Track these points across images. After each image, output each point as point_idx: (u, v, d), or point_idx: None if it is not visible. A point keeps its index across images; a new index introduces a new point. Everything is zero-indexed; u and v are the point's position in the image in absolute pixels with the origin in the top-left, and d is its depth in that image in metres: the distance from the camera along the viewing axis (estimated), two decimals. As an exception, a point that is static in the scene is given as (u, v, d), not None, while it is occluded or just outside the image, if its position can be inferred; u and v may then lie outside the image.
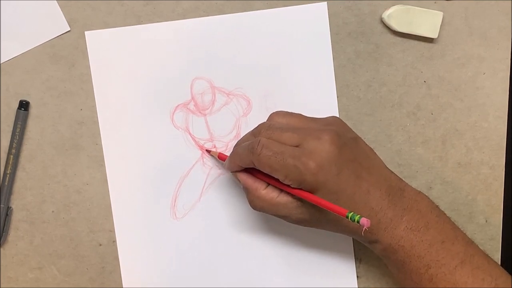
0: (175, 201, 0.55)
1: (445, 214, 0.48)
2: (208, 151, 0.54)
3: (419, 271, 0.46)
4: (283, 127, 0.47)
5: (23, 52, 0.54)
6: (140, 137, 0.54)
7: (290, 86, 0.54)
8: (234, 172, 0.49)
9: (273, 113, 0.50)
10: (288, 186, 0.45)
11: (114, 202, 0.55)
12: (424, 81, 0.55)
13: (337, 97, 0.54)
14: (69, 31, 0.54)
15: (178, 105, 0.54)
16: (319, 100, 0.54)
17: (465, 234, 0.48)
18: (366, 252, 0.55)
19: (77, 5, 0.54)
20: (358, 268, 0.55)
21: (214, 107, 0.54)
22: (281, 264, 0.55)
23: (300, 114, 0.49)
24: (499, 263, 0.55)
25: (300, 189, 0.45)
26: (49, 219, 0.55)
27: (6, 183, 0.54)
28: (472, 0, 0.54)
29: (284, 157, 0.44)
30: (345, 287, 0.55)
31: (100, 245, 0.55)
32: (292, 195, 0.46)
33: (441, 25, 0.54)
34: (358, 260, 0.55)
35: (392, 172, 0.48)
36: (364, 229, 0.41)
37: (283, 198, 0.47)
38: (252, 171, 0.48)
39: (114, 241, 0.55)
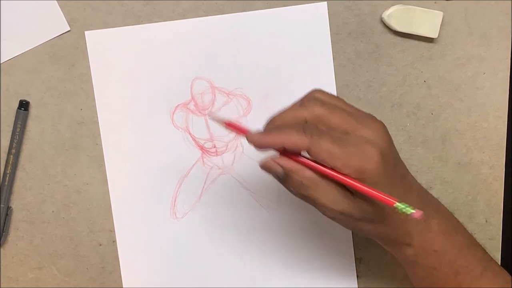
0: (175, 201, 0.55)
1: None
2: (210, 116, 0.51)
3: (448, 278, 0.44)
4: (336, 105, 0.42)
5: (23, 52, 0.54)
6: (140, 137, 0.54)
7: (290, 86, 0.54)
8: (268, 153, 0.42)
9: (314, 90, 0.43)
10: (341, 175, 0.40)
11: (114, 202, 0.55)
12: (424, 81, 0.55)
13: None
14: (69, 31, 0.54)
15: (178, 105, 0.54)
16: (319, 100, 0.54)
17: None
18: (366, 252, 0.55)
19: (77, 5, 0.54)
20: (358, 268, 0.55)
21: (214, 107, 0.54)
22: (281, 264, 0.55)
23: (339, 97, 0.44)
24: (499, 263, 0.55)
25: (357, 179, 0.40)
26: (49, 219, 0.55)
27: (6, 183, 0.54)
28: (472, 0, 0.54)
29: (346, 144, 0.40)
30: (345, 287, 0.55)
31: (100, 245, 0.55)
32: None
33: (441, 25, 0.54)
34: (358, 260, 0.55)
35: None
36: (417, 218, 0.38)
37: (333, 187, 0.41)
38: (289, 155, 0.42)
39: (114, 241, 0.55)
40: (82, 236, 0.55)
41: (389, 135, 0.42)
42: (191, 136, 0.54)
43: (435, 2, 0.54)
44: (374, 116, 0.43)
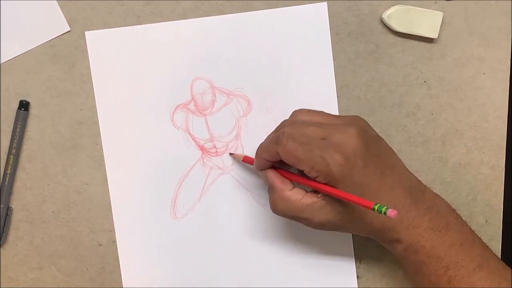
0: (175, 201, 0.55)
1: (461, 217, 0.48)
2: (231, 154, 0.54)
3: (437, 273, 0.45)
4: (307, 122, 0.46)
5: (23, 52, 0.54)
6: (140, 137, 0.54)
7: (290, 86, 0.54)
8: (263, 170, 0.49)
9: (296, 110, 0.49)
10: (314, 180, 0.45)
11: (114, 202, 0.55)
12: (424, 81, 0.55)
13: (337, 97, 0.54)
14: (69, 31, 0.54)
15: (178, 105, 0.54)
16: (319, 100, 0.54)
17: (480, 238, 0.48)
18: (366, 252, 0.55)
19: (77, 5, 0.54)
20: (358, 268, 0.55)
21: (214, 107, 0.54)
22: (281, 264, 0.55)
23: (323, 112, 0.49)
24: (499, 263, 0.55)
25: (325, 183, 0.44)
26: (49, 219, 0.55)
27: (6, 183, 0.54)
28: (472, 0, 0.54)
29: (310, 148, 0.44)
30: (345, 287, 0.55)
31: (100, 245, 0.55)
32: (317, 197, 0.46)
33: (441, 25, 0.54)
34: (358, 260, 0.55)
35: (412, 173, 0.48)
36: (392, 217, 0.40)
37: (308, 200, 0.46)
38: (279, 170, 0.48)
39: (114, 241, 0.55)
40: (82, 236, 0.55)
41: (362, 137, 0.45)
42: (191, 136, 0.55)
43: (435, 2, 0.54)
44: (354, 119, 0.47)
